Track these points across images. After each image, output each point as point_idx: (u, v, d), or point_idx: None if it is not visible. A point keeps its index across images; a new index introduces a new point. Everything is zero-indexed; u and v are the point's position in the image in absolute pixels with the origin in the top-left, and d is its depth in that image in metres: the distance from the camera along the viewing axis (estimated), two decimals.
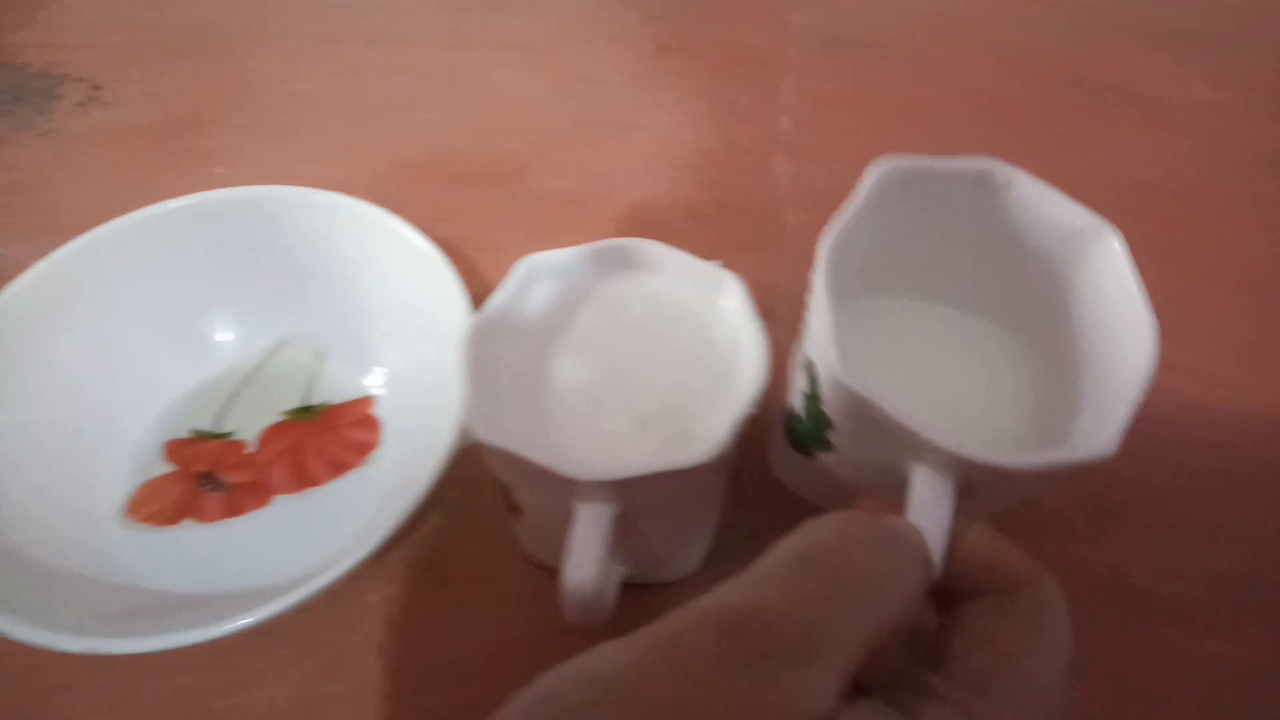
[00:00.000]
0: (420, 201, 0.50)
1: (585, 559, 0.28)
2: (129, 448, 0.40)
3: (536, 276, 0.34)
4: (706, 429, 0.30)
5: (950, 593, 0.24)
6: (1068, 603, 0.35)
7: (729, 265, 0.46)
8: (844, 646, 0.20)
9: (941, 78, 0.55)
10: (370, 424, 0.41)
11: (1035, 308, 0.32)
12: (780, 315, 0.44)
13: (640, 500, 0.30)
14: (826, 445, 0.31)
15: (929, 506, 0.26)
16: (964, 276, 0.33)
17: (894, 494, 0.27)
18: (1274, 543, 0.37)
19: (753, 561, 0.29)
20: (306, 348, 0.43)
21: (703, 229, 0.48)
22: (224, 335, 0.43)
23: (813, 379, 0.30)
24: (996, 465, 0.26)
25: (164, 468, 0.40)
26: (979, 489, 0.27)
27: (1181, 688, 0.34)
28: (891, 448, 0.27)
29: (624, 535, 0.30)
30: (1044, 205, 0.30)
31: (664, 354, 0.33)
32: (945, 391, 0.33)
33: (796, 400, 0.32)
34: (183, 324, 0.42)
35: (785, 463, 0.35)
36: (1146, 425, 0.40)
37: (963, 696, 0.21)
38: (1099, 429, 0.26)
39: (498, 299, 0.33)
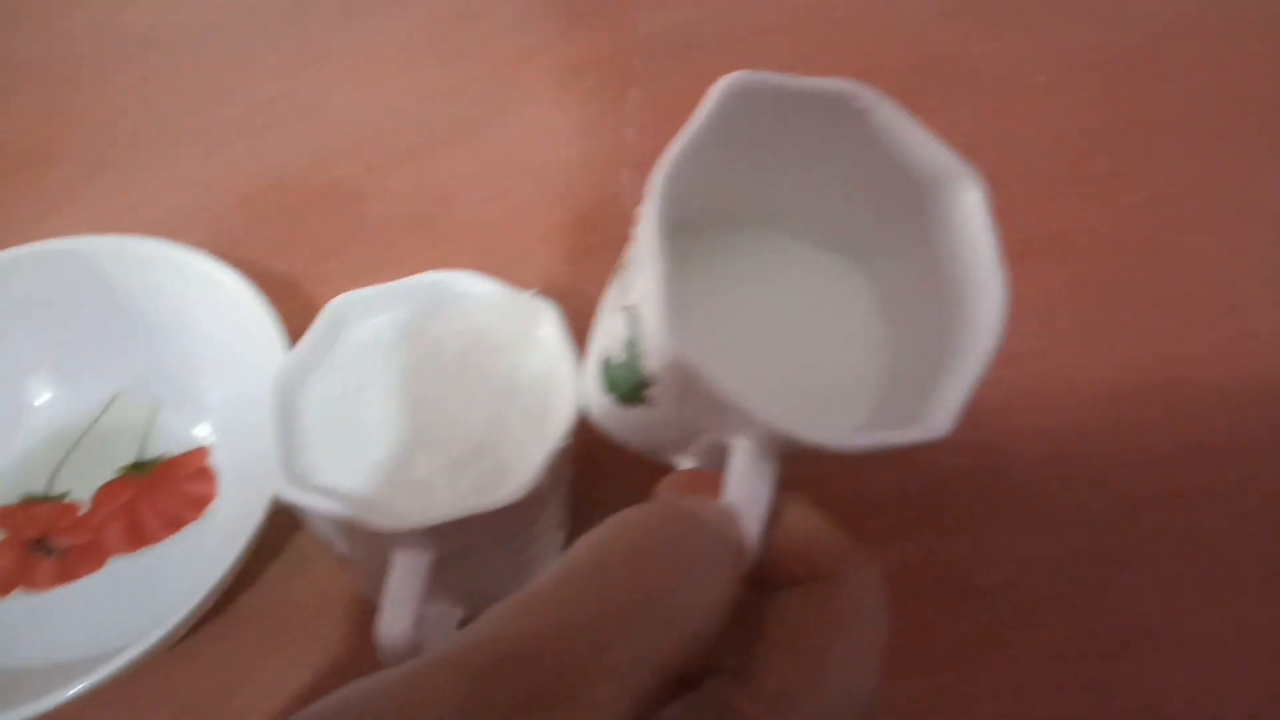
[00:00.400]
0: (260, 235, 0.49)
1: (399, 611, 0.28)
2: None
3: (348, 317, 0.33)
4: (523, 464, 0.30)
5: (764, 579, 0.23)
6: (908, 602, 0.35)
7: (587, 281, 0.45)
8: (628, 675, 0.18)
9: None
10: (206, 475, 0.40)
11: (893, 249, 0.29)
12: None
13: (457, 543, 0.29)
14: (644, 400, 0.28)
15: (748, 485, 0.24)
16: (820, 208, 0.30)
17: (710, 452, 0.25)
18: (1104, 524, 0.38)
19: None
20: (140, 400, 0.42)
21: (550, 245, 0.47)
22: (44, 396, 0.41)
23: (636, 328, 0.26)
24: (824, 445, 0.23)
25: None
26: (805, 456, 0.24)
27: (1028, 679, 0.34)
28: (713, 418, 0.25)
29: (453, 576, 0.30)
30: (906, 139, 0.27)
31: (481, 389, 0.32)
32: (791, 333, 0.30)
33: (615, 345, 0.28)
34: (7, 380, 0.41)
35: (602, 407, 0.31)
36: (976, 414, 0.41)
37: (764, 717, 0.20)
38: (935, 406, 0.24)
39: (306, 343, 0.32)
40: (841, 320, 0.30)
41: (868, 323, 0.30)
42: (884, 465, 0.40)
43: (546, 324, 0.33)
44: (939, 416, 0.23)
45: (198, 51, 0.59)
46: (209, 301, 0.39)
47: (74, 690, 0.29)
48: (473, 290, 0.33)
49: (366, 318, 0.33)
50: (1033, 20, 0.57)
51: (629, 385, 0.29)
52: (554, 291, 0.44)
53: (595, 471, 0.39)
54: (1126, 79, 0.54)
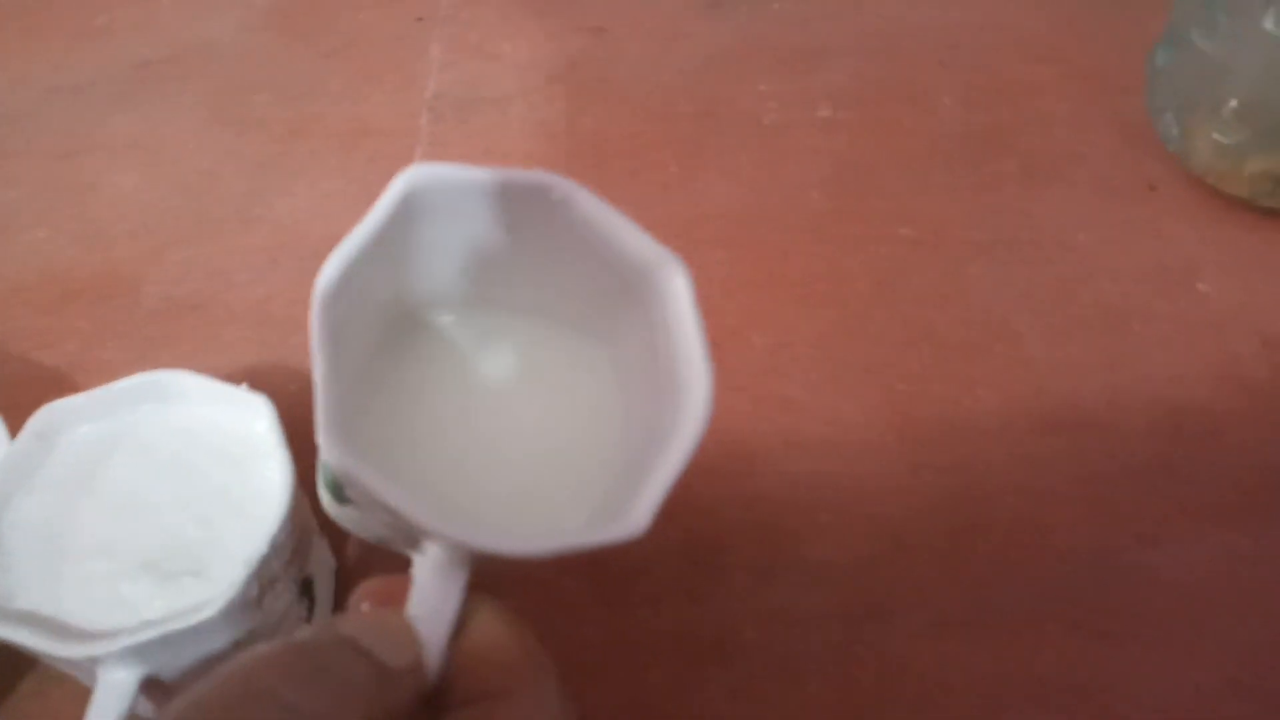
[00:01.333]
0: (27, 327, 0.47)
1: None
2: None
3: (58, 427, 0.32)
4: (231, 570, 0.30)
5: (444, 696, 0.22)
6: (675, 661, 0.35)
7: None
8: None
9: (565, 133, 0.55)
10: None
11: (622, 333, 0.29)
12: None
13: (166, 660, 0.29)
14: (346, 499, 0.29)
15: (431, 597, 0.23)
16: (542, 286, 0.29)
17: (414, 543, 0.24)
18: (873, 573, 0.38)
19: None
20: None
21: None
22: None
23: None
24: (507, 553, 0.22)
25: None
26: (500, 561, 0.24)
27: None
28: (394, 524, 0.24)
29: (171, 689, 0.29)
30: (609, 228, 0.26)
31: (194, 490, 0.32)
32: (520, 410, 0.29)
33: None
34: None
35: (327, 502, 0.32)
36: (749, 461, 0.41)
37: None
38: (637, 501, 0.23)
39: (10, 456, 0.31)
40: (584, 408, 0.29)
41: (609, 410, 0.29)
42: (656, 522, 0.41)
43: (261, 420, 0.32)
44: (637, 513, 0.23)
45: None
46: None
47: None
48: (186, 389, 0.33)
49: (78, 425, 0.33)
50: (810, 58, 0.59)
51: (334, 485, 0.29)
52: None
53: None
54: (893, 114, 0.56)
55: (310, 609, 0.34)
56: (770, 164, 0.54)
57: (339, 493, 0.31)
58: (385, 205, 0.25)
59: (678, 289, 0.25)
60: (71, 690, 0.36)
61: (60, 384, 0.45)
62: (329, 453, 0.22)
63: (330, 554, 0.37)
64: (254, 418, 0.33)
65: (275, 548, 0.30)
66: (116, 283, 0.49)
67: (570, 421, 0.29)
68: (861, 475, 0.41)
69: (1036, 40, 0.60)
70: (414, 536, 0.24)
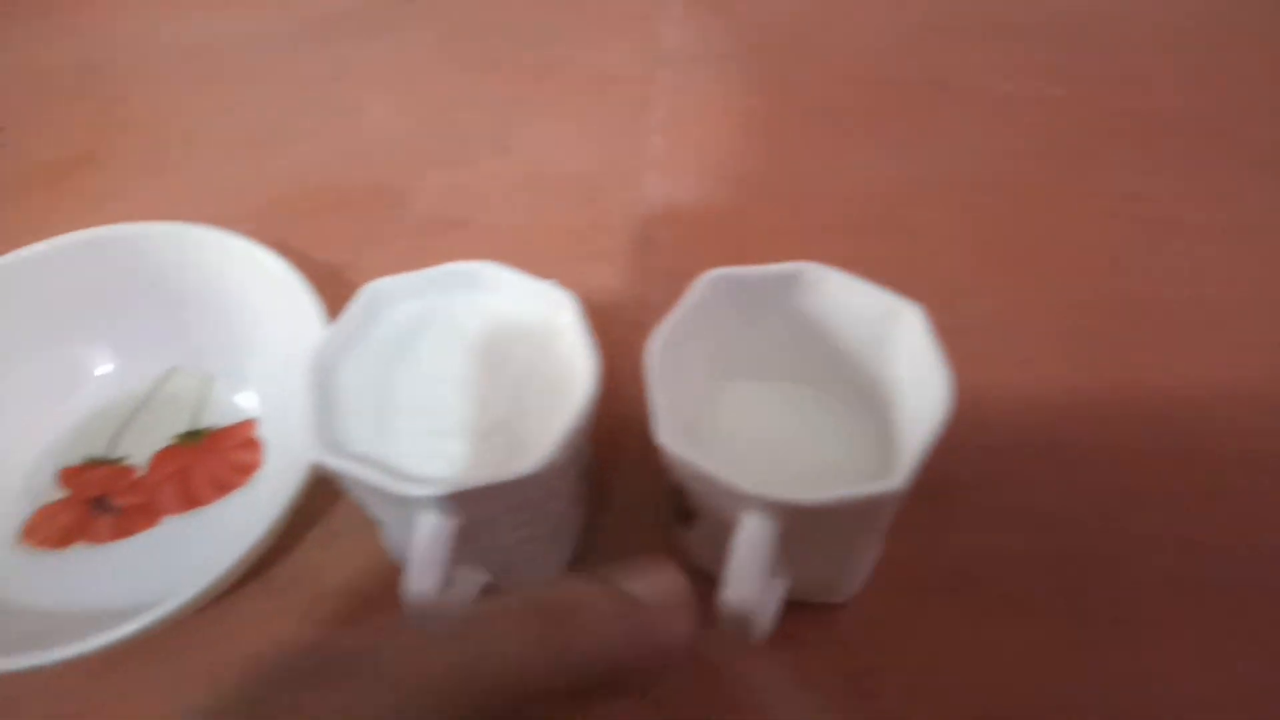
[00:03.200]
0: (302, 230, 0.52)
1: (424, 571, 0.31)
2: (21, 476, 0.42)
3: (382, 301, 0.36)
4: (541, 441, 0.33)
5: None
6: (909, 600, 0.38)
7: (599, 279, 0.49)
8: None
9: (795, 92, 0.58)
10: (252, 445, 0.43)
11: (855, 377, 0.37)
12: (648, 326, 0.47)
13: (478, 511, 0.32)
14: (691, 512, 0.35)
15: (748, 547, 0.30)
16: (795, 357, 0.38)
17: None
18: (1092, 524, 0.40)
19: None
20: (194, 374, 0.45)
21: (578, 245, 0.50)
22: (105, 368, 0.45)
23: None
24: (798, 505, 0.30)
25: (57, 494, 0.42)
26: (803, 530, 0.31)
27: (1021, 673, 0.37)
28: (720, 501, 0.31)
29: (474, 544, 0.33)
30: (853, 294, 0.36)
31: (505, 373, 0.35)
32: (790, 458, 0.37)
33: (669, 477, 0.36)
34: (75, 353, 0.45)
35: (674, 538, 0.39)
36: (978, 415, 0.43)
37: None
38: (899, 465, 0.31)
39: (341, 324, 0.35)
40: (824, 439, 0.38)
41: (846, 440, 0.37)
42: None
43: (566, 313, 0.36)
44: (899, 476, 0.30)
45: (237, 61, 0.63)
46: (257, 284, 0.43)
47: (117, 635, 0.32)
48: (498, 280, 0.37)
49: (399, 302, 0.37)
50: (1035, 33, 0.60)
51: (679, 504, 0.36)
52: (572, 288, 0.48)
53: (614, 453, 0.42)
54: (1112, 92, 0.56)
55: (590, 492, 0.38)
56: (991, 134, 0.55)
57: (680, 507, 0.36)
58: (692, 297, 0.35)
59: (916, 323, 0.34)
60: (346, 549, 0.40)
61: (333, 280, 0.49)
62: (672, 450, 0.31)
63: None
64: (559, 311, 0.36)
65: (584, 424, 0.33)
66: (382, 196, 0.53)
67: (820, 457, 0.37)
68: (1087, 438, 0.43)
69: (1258, 29, 0.60)
70: (735, 505, 0.31)
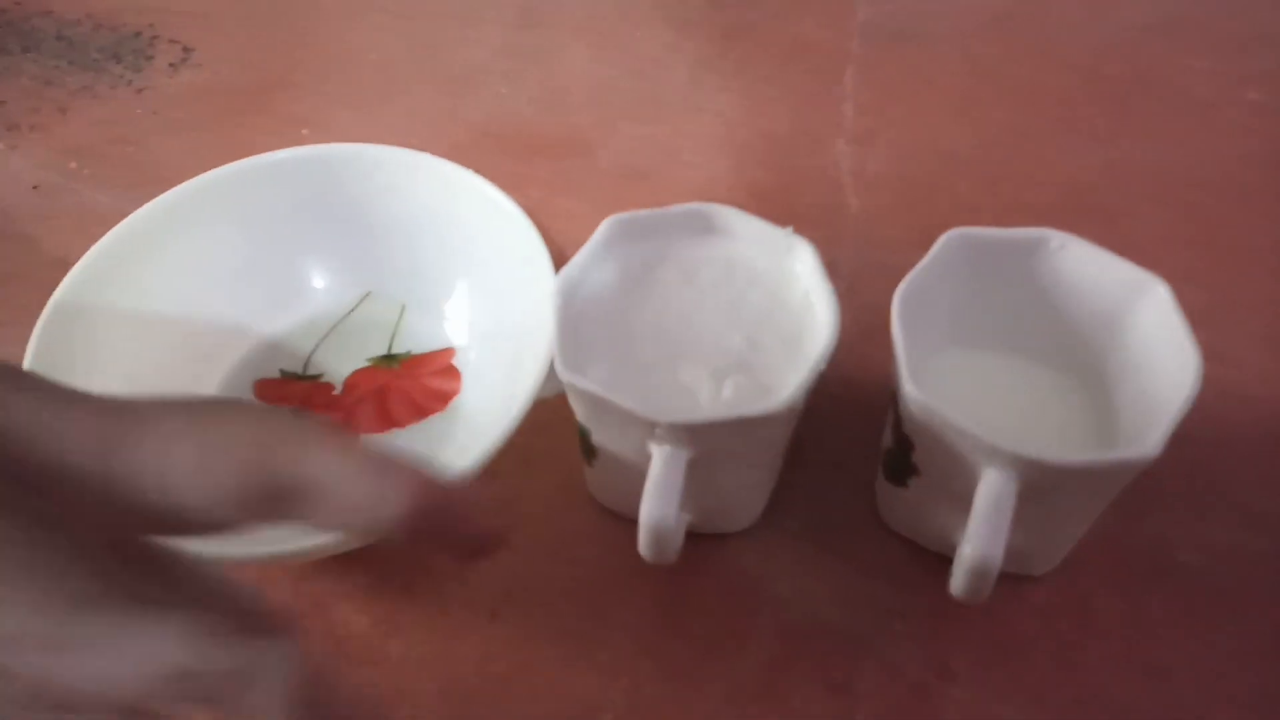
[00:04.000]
0: (494, 169, 0.52)
1: (663, 499, 0.31)
2: (217, 385, 0.43)
3: (619, 236, 0.36)
4: (778, 383, 0.33)
5: None
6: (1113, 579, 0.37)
7: None
8: None
9: (996, 74, 0.57)
10: (451, 373, 0.43)
11: (1087, 350, 0.37)
12: (840, 291, 0.46)
13: (713, 446, 0.32)
14: (913, 469, 0.35)
15: (991, 507, 0.30)
16: (1025, 327, 0.38)
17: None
18: None
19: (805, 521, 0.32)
20: (390, 300, 0.46)
21: (765, 206, 0.50)
22: (317, 283, 0.46)
23: (896, 407, 0.34)
24: (1050, 463, 0.30)
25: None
26: (1041, 494, 0.31)
27: (1221, 657, 0.36)
28: (960, 455, 0.31)
29: (691, 484, 0.33)
30: (1095, 265, 0.35)
31: (739, 314, 0.35)
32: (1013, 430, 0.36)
33: (888, 435, 0.36)
34: (273, 271, 0.45)
35: (884, 499, 0.39)
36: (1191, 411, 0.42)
37: None
38: (1144, 436, 0.31)
39: (583, 255, 0.35)
40: (1049, 413, 0.37)
41: (1072, 414, 0.37)
42: None
43: (803, 258, 0.35)
44: (1151, 441, 0.30)
45: (442, 5, 0.63)
46: (473, 216, 0.43)
47: (321, 542, 0.33)
48: (733, 223, 0.36)
49: (635, 239, 0.37)
50: (1256, 41, 0.58)
51: (899, 462, 0.35)
52: None
53: (806, 410, 0.42)
54: None
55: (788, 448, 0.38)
56: (1198, 136, 0.54)
57: (904, 465, 0.35)
58: (934, 253, 0.36)
59: (1163, 297, 0.34)
60: (547, 477, 0.40)
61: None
62: (918, 396, 0.31)
63: None
64: (795, 257, 0.36)
65: (822, 370, 0.32)
66: (574, 144, 0.54)
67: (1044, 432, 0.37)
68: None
69: None
70: (961, 484, 0.31)
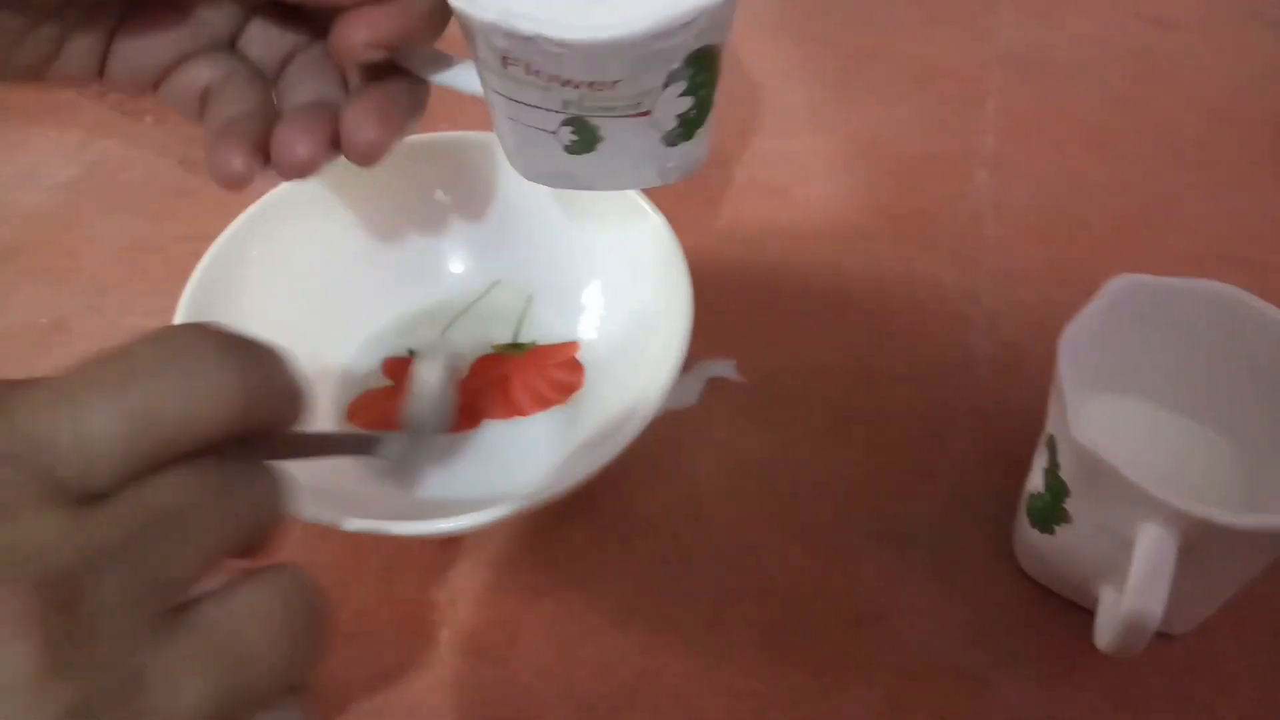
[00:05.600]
0: None
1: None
2: (349, 358, 0.44)
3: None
4: None
5: None
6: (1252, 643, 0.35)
7: (922, 267, 0.48)
8: None
9: (1134, 110, 0.56)
10: (575, 367, 0.43)
11: (1246, 409, 0.36)
12: (977, 323, 0.45)
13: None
14: (1064, 516, 0.34)
15: (1153, 562, 0.29)
16: (1181, 378, 0.37)
17: (1126, 568, 0.30)
18: None
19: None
20: (518, 290, 0.46)
21: (898, 230, 0.49)
22: (453, 267, 0.46)
23: (1052, 452, 0.33)
24: (1220, 523, 0.29)
25: (381, 382, 0.43)
26: (1199, 553, 0.30)
27: None
28: (1122, 507, 0.30)
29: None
30: (1271, 326, 0.34)
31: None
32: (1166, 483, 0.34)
33: (1037, 479, 0.35)
34: (406, 251, 0.46)
35: (1023, 543, 0.37)
36: None
37: None
38: None
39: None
40: (1205, 473, 0.36)
41: (1228, 476, 0.36)
42: None
43: None
44: None
45: None
46: (609, 214, 0.42)
47: (444, 525, 0.33)
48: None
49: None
50: None
51: (1050, 507, 0.34)
52: (891, 274, 0.47)
53: (938, 443, 0.41)
54: None
55: None
56: None
57: (1053, 511, 0.34)
58: (1104, 298, 0.34)
59: None
60: (668, 487, 0.40)
61: None
62: (1082, 441, 0.30)
63: None
64: None
65: None
66: (710, 155, 0.53)
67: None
68: None
69: None
70: (1115, 536, 0.31)
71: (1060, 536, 0.35)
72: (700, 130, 0.32)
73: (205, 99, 0.28)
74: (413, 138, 0.44)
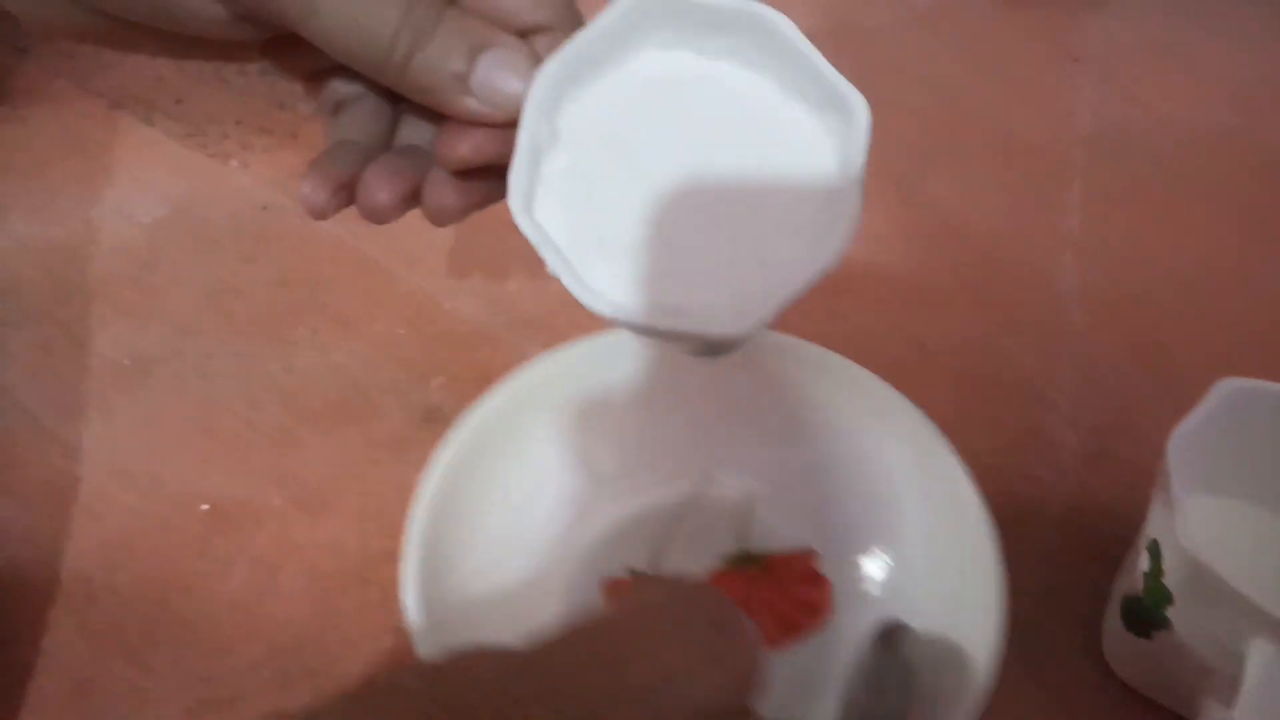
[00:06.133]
0: None
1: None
2: (563, 582, 0.39)
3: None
4: None
5: None
6: None
7: (1009, 351, 0.47)
8: None
9: (1220, 194, 0.55)
10: (819, 582, 0.38)
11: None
12: (1064, 410, 0.45)
13: None
14: (1164, 622, 0.33)
15: (1267, 682, 0.28)
16: None
17: (1230, 680, 0.29)
18: None
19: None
20: (734, 489, 0.41)
21: (983, 309, 0.49)
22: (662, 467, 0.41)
23: (1155, 558, 0.33)
24: None
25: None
26: None
27: None
28: (1230, 620, 0.30)
29: None
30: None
31: None
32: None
33: (1136, 582, 0.34)
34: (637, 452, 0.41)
35: (1115, 645, 0.37)
36: None
37: None
38: None
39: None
40: None
41: None
42: None
43: None
44: None
45: None
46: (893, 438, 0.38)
47: None
48: None
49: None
50: None
51: (1150, 612, 0.33)
52: (968, 349, 0.47)
53: (1024, 534, 0.40)
54: None
55: None
56: None
57: (1153, 617, 0.33)
58: (1210, 403, 0.33)
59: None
60: None
61: None
62: (1192, 550, 0.29)
63: None
64: None
65: None
66: None
67: None
68: None
69: None
70: (1222, 648, 0.30)
71: (1157, 642, 0.34)
72: None
73: (336, 112, 0.29)
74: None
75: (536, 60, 0.24)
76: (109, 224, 0.52)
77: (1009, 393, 0.46)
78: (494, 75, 0.24)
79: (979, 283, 0.50)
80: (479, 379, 0.42)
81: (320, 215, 0.27)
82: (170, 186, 0.54)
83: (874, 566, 0.39)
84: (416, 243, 0.50)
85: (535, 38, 0.25)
